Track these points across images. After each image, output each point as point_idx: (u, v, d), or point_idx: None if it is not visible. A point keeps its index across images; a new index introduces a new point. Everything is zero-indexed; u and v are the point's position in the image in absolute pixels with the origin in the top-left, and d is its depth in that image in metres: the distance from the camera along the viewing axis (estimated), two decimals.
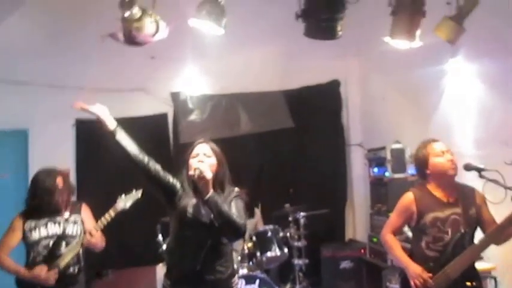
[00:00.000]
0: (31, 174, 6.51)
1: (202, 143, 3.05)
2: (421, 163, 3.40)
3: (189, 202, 2.92)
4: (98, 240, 3.80)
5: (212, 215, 2.82)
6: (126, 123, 7.04)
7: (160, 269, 6.77)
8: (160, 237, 5.49)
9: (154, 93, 7.15)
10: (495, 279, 4.39)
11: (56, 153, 6.66)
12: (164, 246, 5.49)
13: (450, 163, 3.28)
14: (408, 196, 3.42)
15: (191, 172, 2.85)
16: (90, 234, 3.72)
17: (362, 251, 6.33)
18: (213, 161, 3.00)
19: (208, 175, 2.78)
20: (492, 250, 3.63)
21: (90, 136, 6.92)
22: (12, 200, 6.78)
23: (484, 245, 3.12)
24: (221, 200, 2.81)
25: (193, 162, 2.93)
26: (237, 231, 2.84)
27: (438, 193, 3.34)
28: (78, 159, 7.01)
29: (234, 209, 2.87)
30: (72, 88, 6.69)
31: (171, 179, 3.01)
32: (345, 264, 6.43)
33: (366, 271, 6.24)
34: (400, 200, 3.47)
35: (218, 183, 2.95)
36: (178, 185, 3.00)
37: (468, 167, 3.21)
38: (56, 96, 6.66)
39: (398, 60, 6.00)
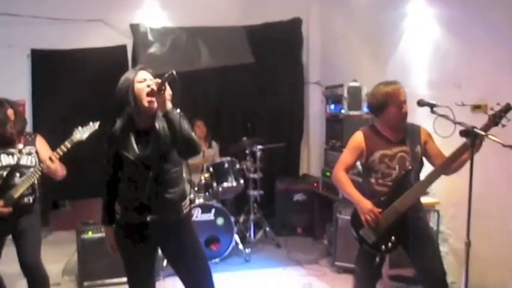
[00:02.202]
0: None
1: (143, 70, 2.91)
2: (379, 106, 3.40)
3: (122, 141, 2.88)
4: (58, 167, 3.78)
5: (163, 135, 2.83)
6: (84, 54, 7.02)
7: None
8: None
9: (113, 24, 6.99)
10: (438, 212, 4.67)
11: (10, 84, 6.50)
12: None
13: (405, 115, 3.38)
14: (358, 135, 3.52)
15: (148, 85, 2.79)
16: (51, 159, 3.69)
17: (315, 184, 6.54)
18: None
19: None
20: (436, 186, 3.84)
21: (46, 67, 6.82)
22: None
23: (431, 179, 3.27)
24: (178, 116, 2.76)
25: (142, 86, 2.81)
26: (195, 147, 2.80)
27: (387, 132, 3.45)
28: (34, 90, 6.89)
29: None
30: (27, 17, 6.51)
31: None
32: (298, 197, 6.68)
33: (318, 204, 6.48)
34: (351, 138, 3.57)
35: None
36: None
37: (421, 103, 3.29)
38: (10, 25, 6.50)
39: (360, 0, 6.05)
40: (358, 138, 3.50)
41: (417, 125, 3.50)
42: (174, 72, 2.69)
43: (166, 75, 2.71)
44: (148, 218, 2.88)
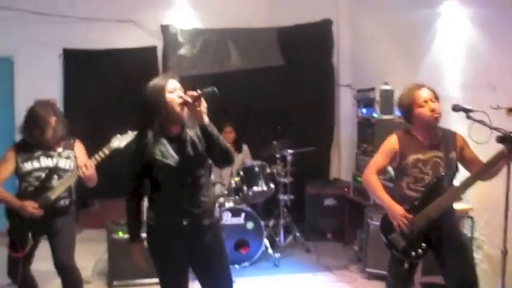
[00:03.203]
0: (17, 103, 6.59)
1: (172, 78, 2.89)
2: (405, 111, 3.45)
3: (158, 149, 2.86)
4: (93, 174, 3.81)
5: (198, 146, 2.85)
6: (114, 55, 7.11)
7: (146, 201, 6.89)
8: None
9: (143, 25, 7.05)
10: (472, 219, 4.56)
11: (42, 83, 6.67)
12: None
13: (432, 113, 3.31)
14: (392, 138, 3.49)
15: (180, 96, 2.77)
16: (86, 166, 3.72)
17: (346, 189, 6.43)
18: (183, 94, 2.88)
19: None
20: (470, 192, 3.74)
21: (77, 66, 6.92)
22: None
23: (465, 186, 3.19)
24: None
25: (174, 96, 2.79)
26: (231, 157, 2.89)
27: (421, 136, 3.40)
28: (66, 90, 6.98)
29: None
30: (60, 16, 6.62)
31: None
32: (329, 202, 6.59)
33: (348, 209, 6.36)
34: (385, 141, 3.54)
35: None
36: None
37: (456, 108, 3.23)
38: (43, 24, 6.62)
39: (391, 0, 5.94)
40: (392, 141, 3.46)
41: (453, 131, 3.45)
42: (216, 89, 2.69)
43: (205, 90, 2.70)
44: (185, 222, 2.88)
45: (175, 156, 2.84)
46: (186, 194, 2.87)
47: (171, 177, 2.87)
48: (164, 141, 2.87)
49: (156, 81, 2.86)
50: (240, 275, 5.11)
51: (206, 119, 2.73)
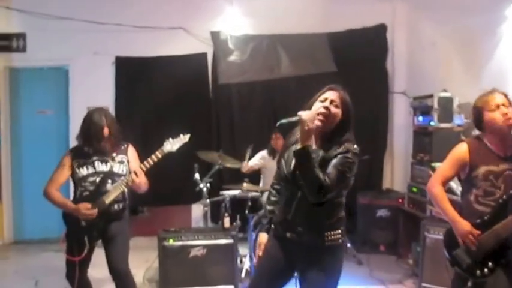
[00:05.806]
0: (71, 111, 6.76)
1: (333, 90, 2.82)
2: (476, 116, 3.25)
3: (286, 152, 2.85)
4: (143, 180, 3.82)
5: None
6: (165, 62, 7.17)
7: (196, 208, 6.85)
8: (197, 175, 5.48)
9: (194, 32, 7.07)
10: None
11: (95, 90, 6.80)
12: (201, 185, 5.48)
13: (504, 118, 3.10)
14: (462, 147, 3.27)
15: (325, 106, 2.74)
16: (136, 174, 3.74)
17: (400, 200, 6.22)
18: (337, 111, 2.76)
19: (313, 124, 2.57)
20: None
21: (129, 74, 7.02)
22: (54, 135, 7.00)
23: None
24: (314, 155, 2.54)
25: (318, 105, 2.72)
26: (315, 197, 2.57)
27: (494, 146, 3.17)
28: (117, 96, 7.06)
29: (331, 168, 2.59)
30: (113, 25, 6.72)
31: None
32: (382, 213, 6.37)
33: (403, 221, 6.13)
34: (453, 150, 3.32)
35: (331, 135, 2.72)
36: None
37: None
38: (96, 33, 6.75)
39: (451, 4, 5.72)
40: (461, 150, 3.24)
41: None
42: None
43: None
44: (287, 235, 2.79)
45: (290, 165, 2.75)
46: (294, 207, 2.75)
47: (283, 185, 2.86)
48: (294, 148, 2.76)
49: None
50: (291, 285, 4.97)
51: (309, 142, 2.55)
